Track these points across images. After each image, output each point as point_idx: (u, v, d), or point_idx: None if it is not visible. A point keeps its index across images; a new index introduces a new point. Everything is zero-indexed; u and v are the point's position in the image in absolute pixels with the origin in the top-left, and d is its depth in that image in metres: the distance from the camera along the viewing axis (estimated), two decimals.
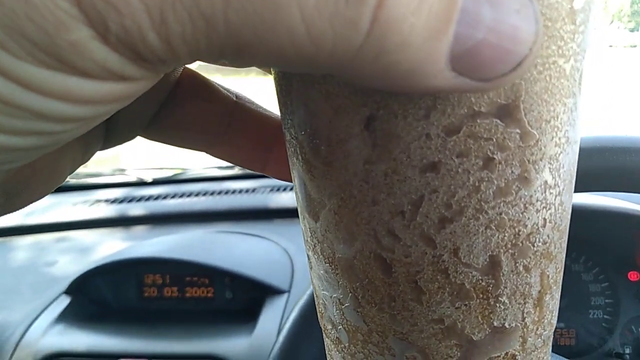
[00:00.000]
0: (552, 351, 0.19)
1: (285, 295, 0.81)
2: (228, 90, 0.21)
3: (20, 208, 0.17)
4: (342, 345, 0.19)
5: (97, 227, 1.07)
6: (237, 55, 0.11)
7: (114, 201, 1.13)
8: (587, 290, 0.68)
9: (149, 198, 1.12)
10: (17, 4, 0.09)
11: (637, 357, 0.66)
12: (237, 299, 0.86)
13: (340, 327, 0.18)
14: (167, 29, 0.10)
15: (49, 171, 0.17)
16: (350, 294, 0.17)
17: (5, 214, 0.17)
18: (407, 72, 0.11)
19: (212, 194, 1.11)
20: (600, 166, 0.46)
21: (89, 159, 0.19)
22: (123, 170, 1.28)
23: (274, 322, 0.76)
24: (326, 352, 0.21)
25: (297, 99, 0.16)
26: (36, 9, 0.09)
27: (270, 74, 0.18)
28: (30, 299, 0.87)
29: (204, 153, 0.22)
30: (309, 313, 0.57)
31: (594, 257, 0.67)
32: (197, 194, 1.11)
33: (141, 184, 1.21)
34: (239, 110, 0.21)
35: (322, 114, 0.15)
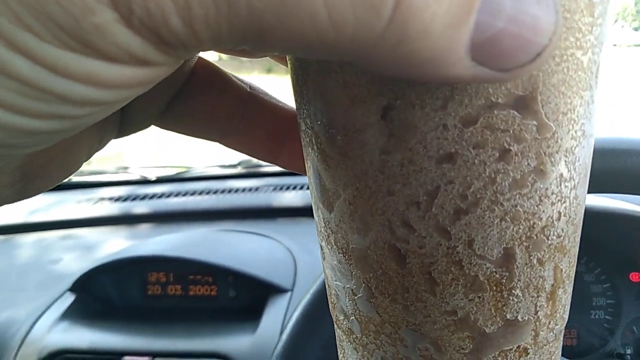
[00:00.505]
0: None
1: (289, 294, 0.81)
2: (242, 81, 0.21)
3: (37, 193, 0.17)
4: (354, 336, 0.19)
5: (101, 225, 1.07)
6: (259, 41, 0.11)
7: (117, 199, 1.13)
8: (588, 290, 0.68)
9: (152, 196, 1.12)
10: None
11: (639, 357, 0.66)
12: (241, 297, 0.86)
13: (353, 317, 0.18)
14: (190, 13, 0.10)
15: (66, 157, 0.18)
16: (363, 285, 0.17)
17: (23, 199, 0.17)
18: (427, 61, 0.11)
19: (216, 192, 1.11)
20: (602, 168, 0.46)
21: (104, 146, 0.20)
22: (126, 168, 1.29)
23: (277, 320, 0.76)
24: (337, 343, 0.21)
25: (314, 88, 0.16)
26: None
27: (286, 64, 0.18)
28: (35, 297, 0.87)
29: (217, 143, 0.22)
30: (312, 312, 0.57)
31: (596, 257, 0.67)
32: (200, 193, 1.11)
33: (145, 182, 1.22)
34: (252, 100, 0.21)
35: (338, 104, 0.15)
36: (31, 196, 0.17)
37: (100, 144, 0.19)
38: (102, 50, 0.10)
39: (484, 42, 0.11)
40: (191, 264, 0.86)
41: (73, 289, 0.87)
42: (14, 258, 1.00)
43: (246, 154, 0.23)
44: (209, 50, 0.11)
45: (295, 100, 0.17)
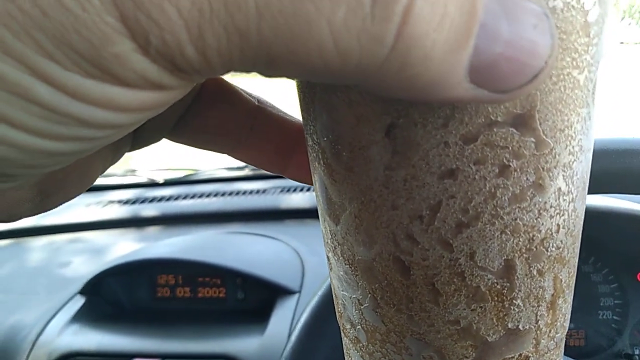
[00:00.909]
0: None
1: (296, 295, 0.81)
2: (250, 95, 0.22)
3: (55, 207, 0.18)
4: (361, 345, 0.19)
5: (110, 228, 1.08)
6: (268, 67, 0.11)
7: (126, 202, 1.14)
8: (596, 291, 0.68)
9: (160, 199, 1.13)
10: (66, 19, 0.10)
11: None
12: (249, 299, 0.87)
13: (359, 326, 0.19)
14: (203, 42, 0.10)
15: (82, 172, 0.18)
16: (369, 295, 0.18)
17: (41, 212, 0.17)
18: (428, 84, 0.11)
19: (223, 194, 1.12)
20: (607, 169, 0.46)
21: (117, 160, 0.20)
22: (134, 171, 1.30)
23: (285, 322, 0.77)
24: (344, 351, 0.21)
25: (320, 106, 0.16)
26: (84, 23, 0.10)
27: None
28: (46, 300, 0.88)
29: (227, 155, 0.23)
30: (320, 313, 0.58)
31: (603, 258, 0.67)
32: (208, 195, 1.12)
33: (153, 185, 1.22)
34: (261, 114, 0.22)
35: (344, 122, 0.15)
36: (49, 209, 0.18)
37: (114, 159, 0.20)
38: (120, 77, 0.11)
39: (483, 66, 0.11)
40: (199, 266, 0.86)
41: (83, 291, 0.87)
42: (24, 261, 1.01)
43: (255, 165, 0.23)
44: (221, 74, 0.12)
45: (302, 116, 0.18)
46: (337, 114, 0.15)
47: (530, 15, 0.11)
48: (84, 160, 0.18)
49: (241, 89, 0.22)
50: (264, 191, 1.11)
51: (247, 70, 0.11)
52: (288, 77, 0.12)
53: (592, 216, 0.61)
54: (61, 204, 0.18)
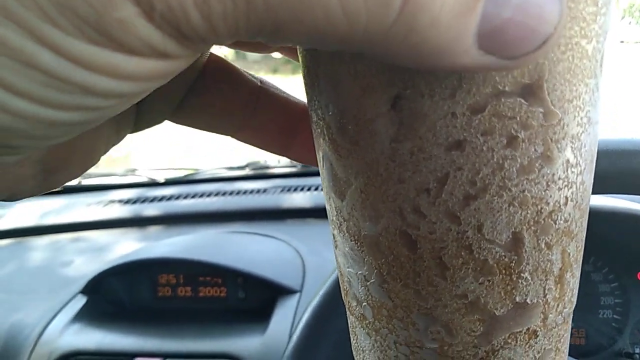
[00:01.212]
0: None
1: (297, 295, 0.81)
2: (252, 76, 0.22)
3: (58, 186, 0.18)
4: (367, 321, 0.19)
5: (111, 228, 1.08)
6: (274, 33, 0.11)
7: (127, 202, 1.14)
8: (596, 290, 0.68)
9: (161, 198, 1.13)
10: None
11: None
12: (250, 298, 0.87)
13: (365, 303, 0.19)
14: (209, 8, 0.10)
15: (86, 151, 0.18)
16: (375, 271, 0.17)
17: (44, 191, 0.17)
18: (435, 50, 0.11)
19: (224, 194, 1.12)
20: (607, 169, 0.46)
21: (120, 140, 0.20)
22: (135, 170, 1.30)
23: (286, 321, 0.77)
24: (350, 329, 0.21)
25: (325, 79, 0.16)
26: None
27: (295, 59, 0.19)
28: (47, 299, 0.88)
29: (229, 138, 0.23)
30: (322, 313, 0.58)
31: (604, 257, 0.67)
32: (209, 195, 1.12)
33: (153, 184, 1.22)
34: (263, 95, 0.22)
35: (350, 94, 0.15)
36: (52, 189, 0.18)
37: (117, 139, 0.20)
38: (124, 44, 0.10)
39: (491, 32, 0.11)
40: (201, 265, 0.86)
41: (84, 291, 0.87)
42: (25, 261, 1.01)
43: (258, 147, 0.23)
44: (227, 42, 0.12)
45: (307, 92, 0.18)
46: (342, 87, 0.15)
47: None
48: (87, 138, 0.18)
49: (243, 70, 0.22)
50: (265, 191, 1.11)
51: (253, 37, 0.11)
52: (294, 44, 0.12)
53: (593, 216, 0.60)
54: (64, 184, 0.18)
